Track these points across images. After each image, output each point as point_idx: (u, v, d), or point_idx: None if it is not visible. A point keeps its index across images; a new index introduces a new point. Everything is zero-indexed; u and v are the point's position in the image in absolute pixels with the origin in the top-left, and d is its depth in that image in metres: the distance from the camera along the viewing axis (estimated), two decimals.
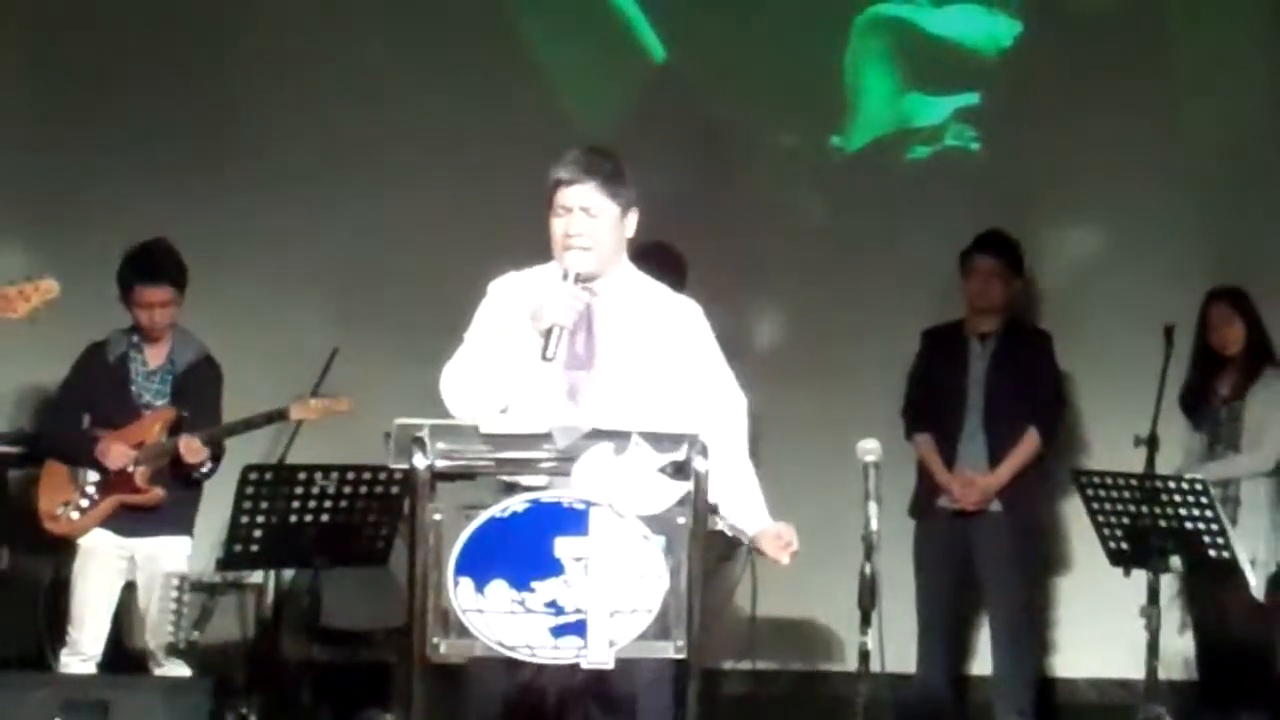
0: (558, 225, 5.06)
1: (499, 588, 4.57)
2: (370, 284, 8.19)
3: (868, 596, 5.33)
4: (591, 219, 5.03)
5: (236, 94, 8.48)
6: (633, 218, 5.13)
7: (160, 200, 8.08)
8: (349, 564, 6.95)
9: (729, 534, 7.42)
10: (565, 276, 4.99)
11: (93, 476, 7.14)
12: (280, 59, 8.52)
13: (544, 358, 4.89)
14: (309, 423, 7.43)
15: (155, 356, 7.28)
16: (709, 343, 5.22)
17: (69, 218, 8.20)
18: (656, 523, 4.59)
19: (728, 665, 8.03)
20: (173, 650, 7.16)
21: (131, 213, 7.81)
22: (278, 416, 7.23)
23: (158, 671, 7.13)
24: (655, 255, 7.73)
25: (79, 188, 8.34)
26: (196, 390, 7.24)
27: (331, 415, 7.19)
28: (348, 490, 6.80)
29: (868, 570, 5.30)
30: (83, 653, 7.09)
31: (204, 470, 7.12)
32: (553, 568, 4.58)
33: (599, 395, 5.00)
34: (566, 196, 5.04)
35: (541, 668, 4.69)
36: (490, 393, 4.93)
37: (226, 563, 7.01)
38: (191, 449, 7.06)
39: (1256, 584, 7.09)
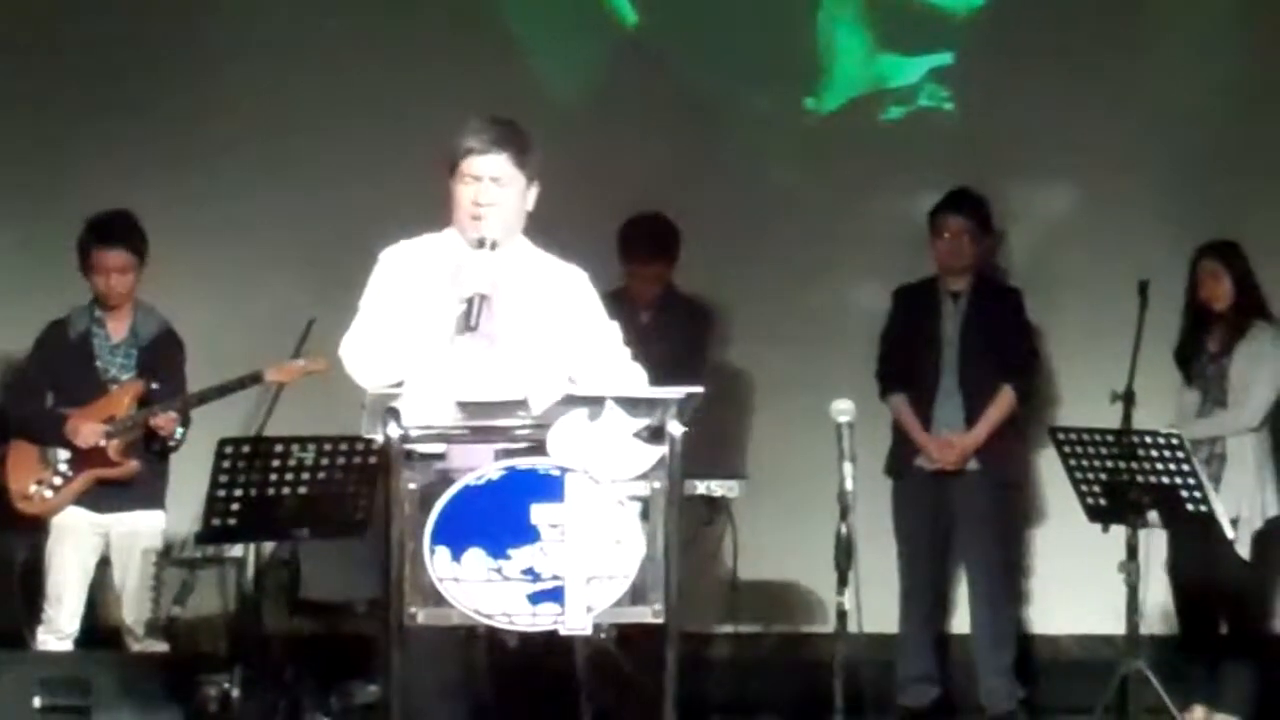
0: (465, 193, 5.02)
1: (476, 556, 4.58)
2: (345, 255, 8.10)
3: (844, 557, 5.33)
4: (501, 189, 5.01)
5: (213, 67, 8.43)
6: (534, 191, 5.10)
7: (135, 173, 8.06)
8: (328, 535, 6.94)
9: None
10: (482, 244, 4.96)
11: (64, 454, 7.13)
12: (256, 32, 8.48)
13: (468, 327, 4.88)
14: (286, 394, 7.45)
15: (118, 330, 7.28)
16: (598, 311, 5.18)
17: (38, 194, 8.17)
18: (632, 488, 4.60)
19: (710, 629, 8.03)
20: (151, 626, 7.17)
21: (107, 187, 7.77)
22: (252, 380, 7.23)
23: (135, 647, 7.13)
24: (647, 226, 7.84)
25: (52, 163, 8.30)
26: (163, 363, 7.25)
27: (308, 375, 7.19)
28: (325, 462, 6.79)
29: (843, 530, 5.30)
30: (60, 630, 7.09)
31: (174, 440, 7.12)
32: (529, 535, 4.58)
33: (501, 364, 4.96)
34: (476, 165, 5.01)
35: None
36: (394, 361, 4.89)
37: (205, 537, 7.00)
38: (166, 421, 7.06)
39: (1235, 537, 7.10)
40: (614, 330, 5.19)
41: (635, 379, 5.08)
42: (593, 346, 5.10)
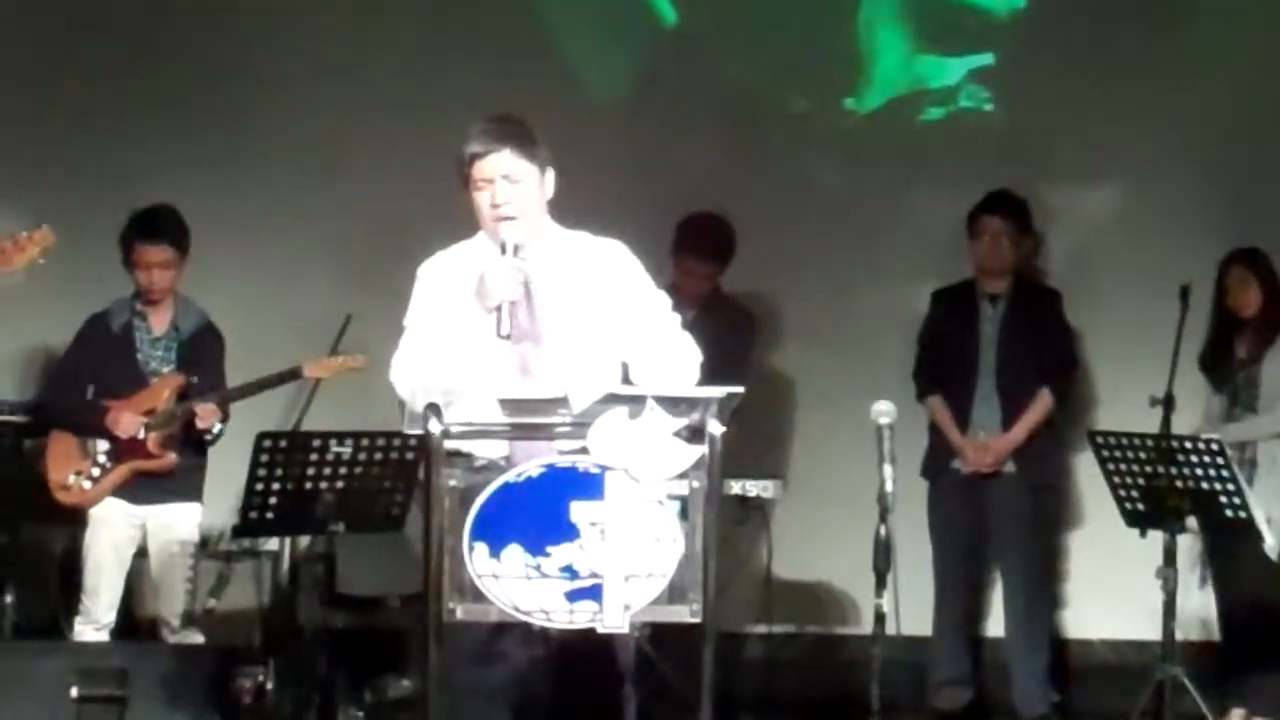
0: (481, 199, 4.99)
1: (514, 553, 4.57)
2: (384, 250, 8.17)
3: (883, 559, 5.32)
4: (514, 185, 4.97)
5: (249, 63, 8.46)
6: (550, 177, 5.06)
7: (173, 169, 8.07)
8: (365, 530, 6.95)
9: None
10: (504, 250, 4.93)
11: (103, 446, 7.16)
12: (294, 28, 8.51)
13: (500, 335, 4.84)
14: (324, 389, 7.48)
15: (159, 323, 7.31)
16: (643, 280, 5.14)
17: (81, 188, 8.18)
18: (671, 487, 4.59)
19: (745, 629, 8.03)
20: (187, 618, 7.19)
21: (146, 182, 7.80)
22: (290, 376, 7.26)
23: (171, 639, 7.16)
24: (707, 225, 7.84)
25: (91, 158, 8.33)
26: (203, 357, 7.27)
27: (346, 372, 7.21)
28: (363, 457, 6.79)
29: (882, 532, 5.29)
30: (97, 621, 7.12)
31: (213, 434, 7.14)
32: (568, 532, 4.57)
33: (551, 363, 4.95)
34: (484, 168, 4.97)
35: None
36: (444, 377, 4.86)
37: (242, 530, 7.02)
38: (206, 413, 7.09)
39: (1272, 543, 7.08)
40: (662, 299, 5.15)
41: (686, 349, 5.07)
42: (641, 318, 5.06)
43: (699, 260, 7.80)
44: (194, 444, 7.20)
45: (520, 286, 4.89)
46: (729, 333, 7.64)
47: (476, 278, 4.92)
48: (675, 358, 5.03)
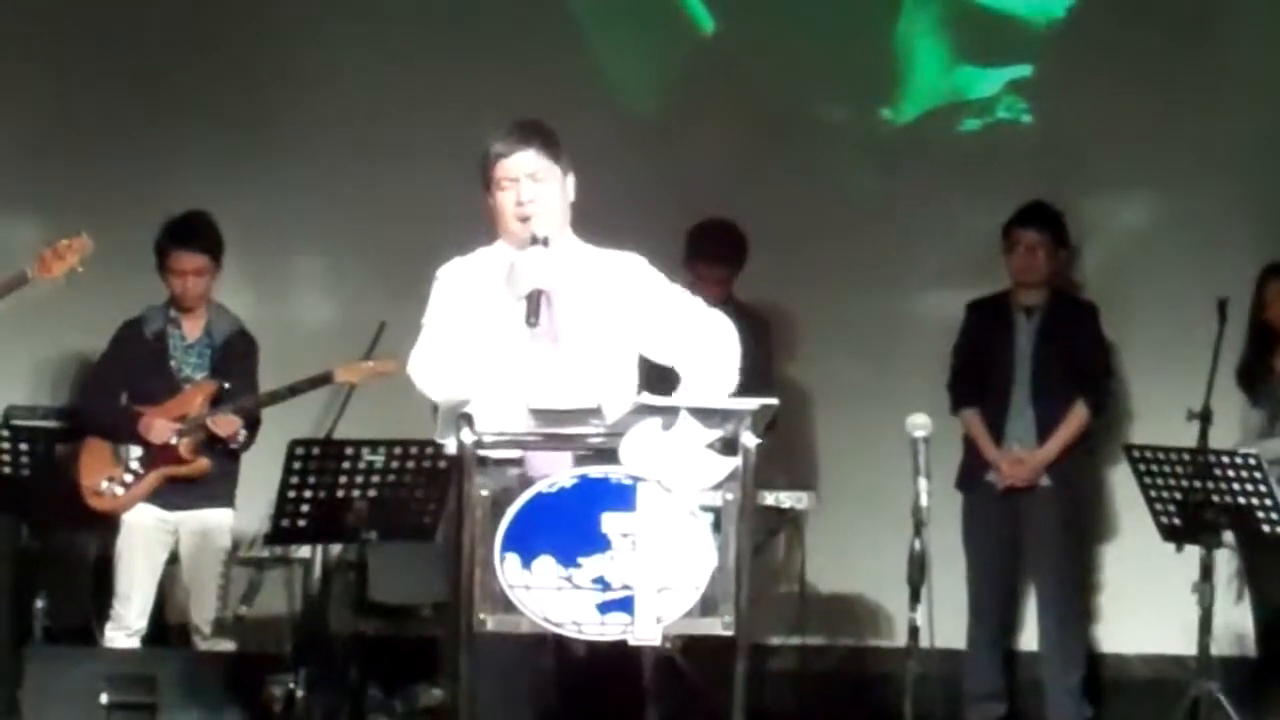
0: (506, 199, 4.98)
1: (546, 563, 4.55)
2: (418, 257, 8.14)
3: (917, 572, 5.30)
4: (538, 184, 4.97)
5: (283, 68, 8.47)
6: (571, 181, 5.06)
7: (206, 176, 8.08)
8: (396, 538, 6.95)
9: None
10: (534, 240, 4.91)
11: (136, 452, 7.17)
12: (327, 34, 8.51)
13: (528, 323, 4.82)
14: (356, 397, 7.47)
15: (192, 330, 7.32)
16: (663, 284, 5.12)
17: (113, 195, 8.19)
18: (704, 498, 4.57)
19: (777, 641, 8.01)
20: (218, 625, 7.19)
21: (179, 189, 7.80)
22: (322, 380, 7.26)
23: (202, 646, 7.16)
24: (717, 230, 7.82)
25: (124, 164, 8.33)
26: (236, 363, 7.28)
27: (377, 376, 7.21)
28: (395, 465, 6.80)
29: (917, 546, 5.26)
30: (128, 627, 7.13)
31: (239, 442, 7.14)
32: (600, 544, 4.55)
33: (568, 364, 4.93)
34: (508, 168, 4.98)
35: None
36: (464, 375, 4.84)
37: (274, 537, 7.03)
38: (222, 423, 7.08)
39: None
40: (682, 292, 5.12)
41: (721, 324, 5.05)
42: (669, 313, 5.04)
43: (710, 265, 7.75)
44: (226, 450, 7.20)
45: (551, 275, 4.88)
46: (747, 340, 7.61)
47: (503, 271, 4.90)
48: (715, 335, 5.02)
